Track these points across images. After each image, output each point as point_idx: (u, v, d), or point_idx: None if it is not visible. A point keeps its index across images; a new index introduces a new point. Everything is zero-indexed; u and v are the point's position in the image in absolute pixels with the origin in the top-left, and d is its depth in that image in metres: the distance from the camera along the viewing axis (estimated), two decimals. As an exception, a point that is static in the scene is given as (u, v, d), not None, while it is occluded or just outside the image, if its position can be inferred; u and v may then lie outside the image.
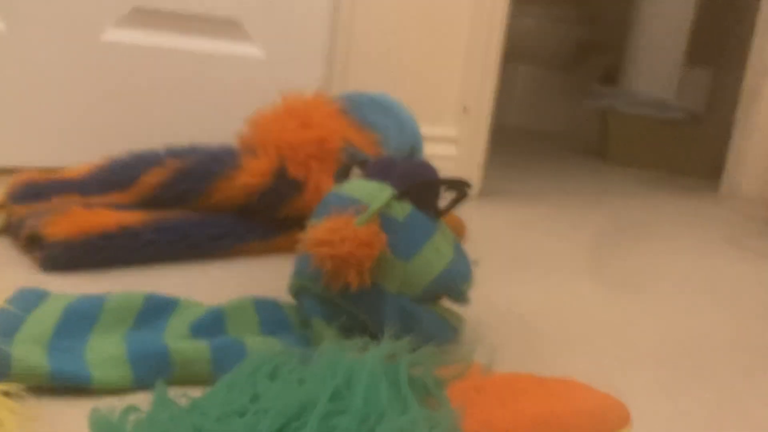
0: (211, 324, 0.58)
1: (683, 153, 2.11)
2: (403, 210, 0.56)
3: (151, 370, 0.50)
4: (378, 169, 0.60)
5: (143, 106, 1.06)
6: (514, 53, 2.60)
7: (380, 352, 0.38)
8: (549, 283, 0.83)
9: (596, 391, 0.42)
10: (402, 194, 0.57)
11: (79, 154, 0.94)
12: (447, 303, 0.61)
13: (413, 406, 0.33)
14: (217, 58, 1.09)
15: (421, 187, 0.59)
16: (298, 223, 0.63)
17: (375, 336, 0.51)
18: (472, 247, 0.97)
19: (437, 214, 0.59)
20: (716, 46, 2.41)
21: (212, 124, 1.03)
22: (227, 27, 1.09)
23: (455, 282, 0.59)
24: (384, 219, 0.55)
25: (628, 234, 1.19)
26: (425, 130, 1.03)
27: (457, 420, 0.33)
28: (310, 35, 1.15)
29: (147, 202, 0.79)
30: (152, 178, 0.78)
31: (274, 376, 0.36)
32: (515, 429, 0.35)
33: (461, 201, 0.60)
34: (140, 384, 0.49)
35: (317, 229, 0.54)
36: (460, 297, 0.60)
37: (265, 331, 0.59)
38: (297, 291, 0.59)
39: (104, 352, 0.51)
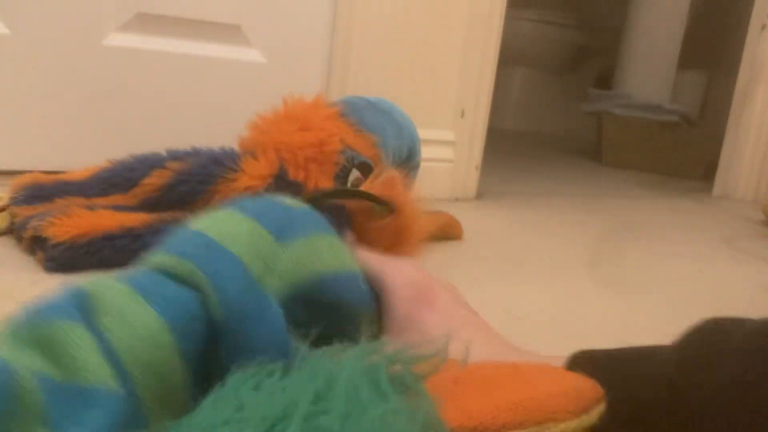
0: None
1: (678, 155, 2.13)
2: None
3: None
4: None
5: (145, 110, 1.07)
6: (510, 57, 2.62)
7: (359, 354, 0.39)
8: (545, 284, 0.84)
9: (569, 373, 0.43)
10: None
11: (81, 157, 0.94)
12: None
13: (394, 398, 0.34)
14: (219, 63, 1.10)
15: None
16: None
17: None
18: (469, 248, 0.98)
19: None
20: (709, 49, 2.43)
21: (214, 127, 1.04)
22: (229, 32, 1.11)
23: None
24: None
25: (624, 235, 1.20)
26: (423, 133, 1.04)
27: (437, 409, 0.34)
28: (310, 41, 1.16)
29: (148, 204, 0.79)
30: (153, 180, 0.79)
31: (258, 388, 0.37)
32: (495, 415, 0.36)
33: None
34: None
35: None
36: None
37: None
38: None
39: None
